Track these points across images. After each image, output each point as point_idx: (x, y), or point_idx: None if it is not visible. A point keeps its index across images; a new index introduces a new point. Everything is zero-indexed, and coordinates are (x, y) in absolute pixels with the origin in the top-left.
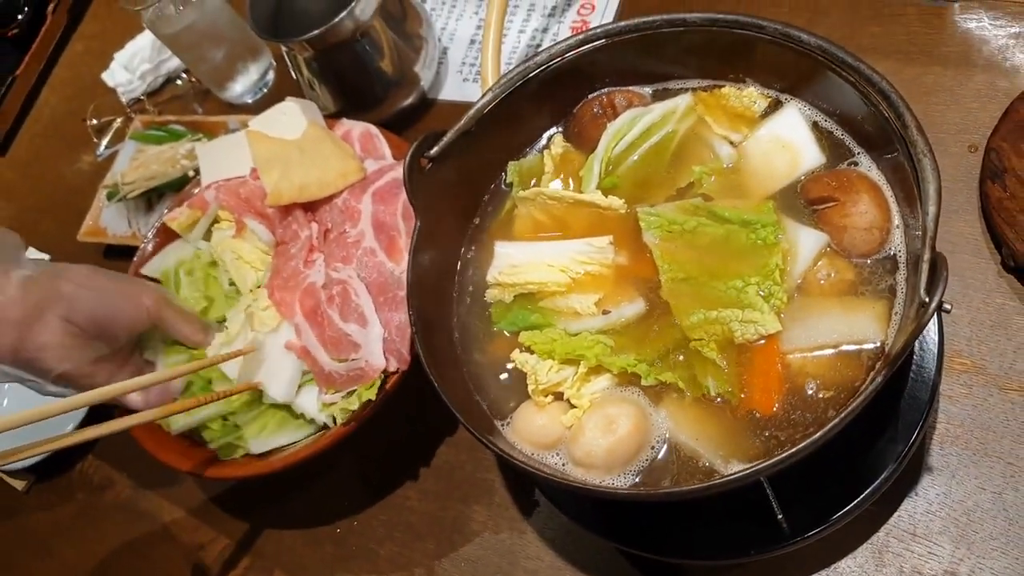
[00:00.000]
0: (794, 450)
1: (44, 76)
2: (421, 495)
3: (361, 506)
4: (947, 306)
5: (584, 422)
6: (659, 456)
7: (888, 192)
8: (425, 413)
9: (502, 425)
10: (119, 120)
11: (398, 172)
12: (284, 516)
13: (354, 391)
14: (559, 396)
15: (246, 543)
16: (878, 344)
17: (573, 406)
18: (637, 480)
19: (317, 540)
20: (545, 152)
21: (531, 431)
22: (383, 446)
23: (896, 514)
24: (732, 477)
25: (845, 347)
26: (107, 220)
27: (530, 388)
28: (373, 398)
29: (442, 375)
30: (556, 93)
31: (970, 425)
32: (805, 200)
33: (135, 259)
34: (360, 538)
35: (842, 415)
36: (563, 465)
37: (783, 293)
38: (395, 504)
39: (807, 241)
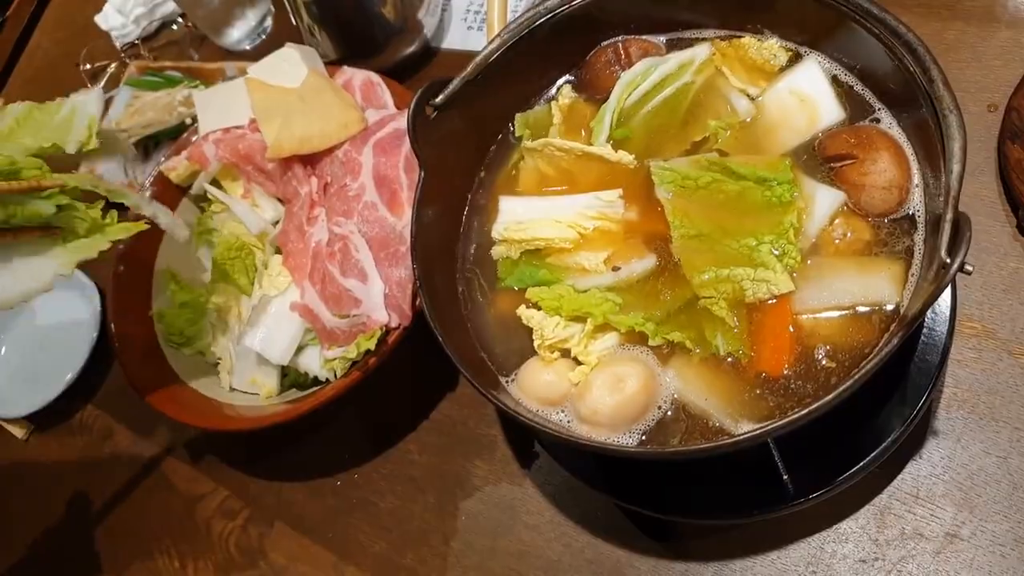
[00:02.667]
0: (804, 412)
1: (36, 17)
2: (422, 449)
3: (362, 459)
4: (968, 267)
5: (591, 380)
6: (667, 415)
7: (909, 150)
8: (427, 368)
9: (507, 381)
10: (113, 65)
11: (400, 122)
12: (284, 468)
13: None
14: (566, 353)
15: (246, 495)
16: (893, 306)
17: (580, 363)
18: (643, 439)
19: (318, 492)
20: (553, 103)
21: (537, 387)
22: (385, 400)
23: (899, 476)
24: (741, 438)
25: (859, 308)
26: (102, 168)
27: (536, 344)
28: (372, 348)
29: (446, 331)
30: (566, 42)
31: (978, 389)
32: (822, 157)
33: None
34: (361, 491)
35: (855, 377)
36: (568, 422)
37: (797, 252)
38: (396, 458)
39: (823, 199)
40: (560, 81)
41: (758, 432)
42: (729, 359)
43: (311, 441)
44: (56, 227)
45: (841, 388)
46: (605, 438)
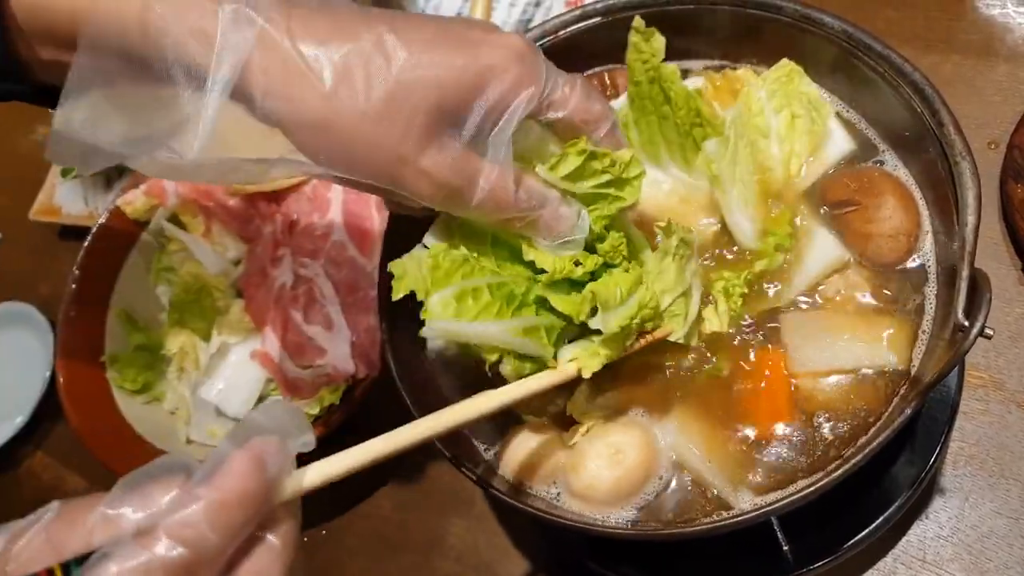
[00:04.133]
0: (811, 489)
1: None
2: (396, 505)
3: (331, 515)
4: (989, 331)
5: (585, 451)
6: (668, 486)
7: (917, 194)
8: (399, 415)
9: (485, 449)
10: None
11: None
12: None
13: (317, 396)
14: (558, 417)
15: None
16: (902, 368)
17: (575, 422)
18: (640, 513)
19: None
20: None
21: (524, 460)
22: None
23: (905, 538)
24: (746, 516)
25: (864, 371)
26: (62, 198)
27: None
28: (336, 402)
29: (415, 394)
30: None
31: (986, 444)
32: (823, 203)
33: (86, 244)
34: (330, 550)
35: (866, 451)
36: (557, 496)
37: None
38: (368, 514)
39: (825, 250)
40: None
41: (765, 509)
42: (737, 426)
43: None
44: None
45: (852, 462)
46: (599, 516)
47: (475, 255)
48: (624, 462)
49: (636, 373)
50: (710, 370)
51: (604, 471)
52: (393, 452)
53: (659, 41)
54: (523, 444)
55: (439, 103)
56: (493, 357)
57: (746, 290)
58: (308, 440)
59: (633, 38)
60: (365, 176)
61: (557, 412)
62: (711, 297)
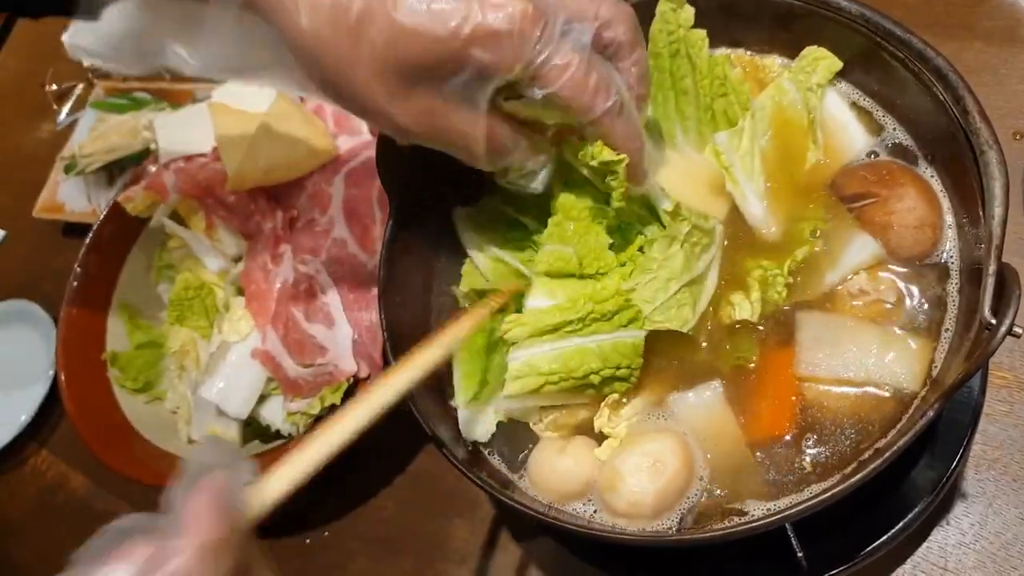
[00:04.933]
0: (827, 495)
1: (2, 37)
2: (399, 507)
3: (333, 517)
4: (1018, 329)
5: (620, 467)
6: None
7: (938, 186)
8: (403, 415)
9: (516, 476)
10: (80, 86)
11: (374, 151)
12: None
13: (319, 395)
14: (579, 429)
15: None
16: (916, 388)
17: (604, 436)
18: (683, 519)
19: (284, 553)
20: None
21: (553, 479)
22: (358, 454)
23: (925, 545)
24: (756, 524)
25: (880, 371)
26: (65, 195)
27: (533, 423)
28: (338, 402)
29: (422, 405)
30: None
31: (1010, 447)
32: (838, 197)
33: (86, 242)
34: (331, 552)
35: (885, 455)
36: (595, 513)
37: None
38: (370, 516)
39: (858, 246)
40: None
41: (781, 515)
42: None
43: None
44: None
45: (871, 467)
46: (644, 528)
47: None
48: (665, 471)
49: (658, 372)
50: (736, 360)
51: (647, 484)
52: (347, 440)
53: (688, 11)
54: (549, 463)
55: (420, 60)
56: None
57: (790, 280)
58: (249, 469)
59: (661, 7)
60: (338, 100)
61: (576, 424)
62: (748, 283)
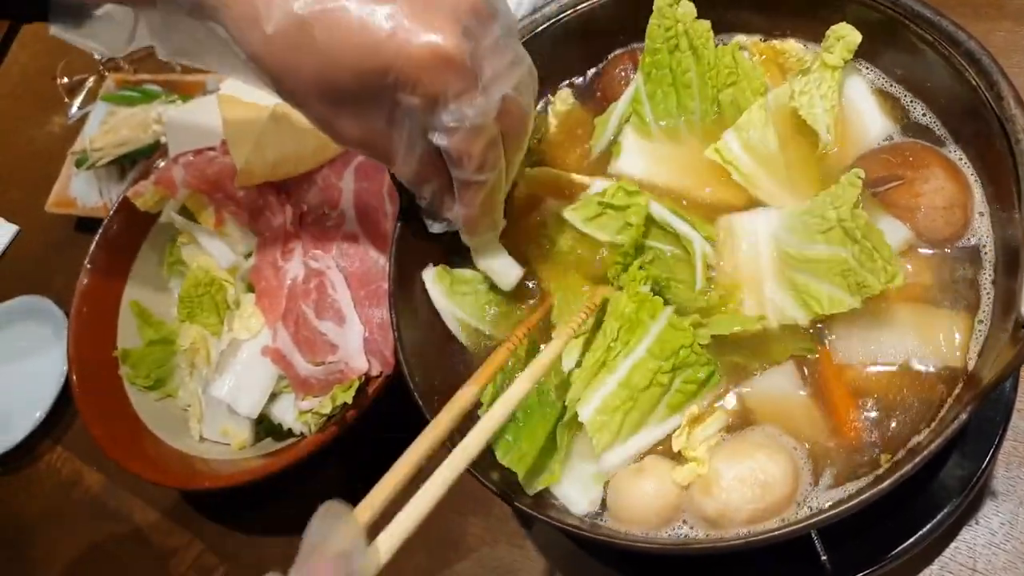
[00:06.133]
0: (856, 501)
1: (14, 30)
2: None
3: None
4: None
5: (728, 490)
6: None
7: (969, 171)
8: (415, 410)
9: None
10: (92, 79)
11: None
12: (264, 524)
13: (330, 393)
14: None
15: (222, 550)
16: (958, 364)
17: (686, 460)
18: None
19: (297, 548)
20: (549, 108)
21: (639, 508)
22: (370, 451)
23: (953, 545)
24: (781, 531)
25: (915, 366)
26: (76, 189)
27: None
28: (349, 401)
29: (428, 397)
30: (567, 49)
31: None
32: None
33: (96, 238)
34: None
35: (917, 459)
36: (690, 531)
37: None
38: (383, 511)
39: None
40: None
41: (806, 523)
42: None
43: (292, 492)
44: None
45: (902, 471)
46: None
47: None
48: (775, 489)
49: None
50: (798, 351)
51: (747, 504)
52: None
53: (687, 6)
54: (631, 490)
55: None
56: None
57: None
58: (361, 532)
59: (659, 2)
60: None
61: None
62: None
